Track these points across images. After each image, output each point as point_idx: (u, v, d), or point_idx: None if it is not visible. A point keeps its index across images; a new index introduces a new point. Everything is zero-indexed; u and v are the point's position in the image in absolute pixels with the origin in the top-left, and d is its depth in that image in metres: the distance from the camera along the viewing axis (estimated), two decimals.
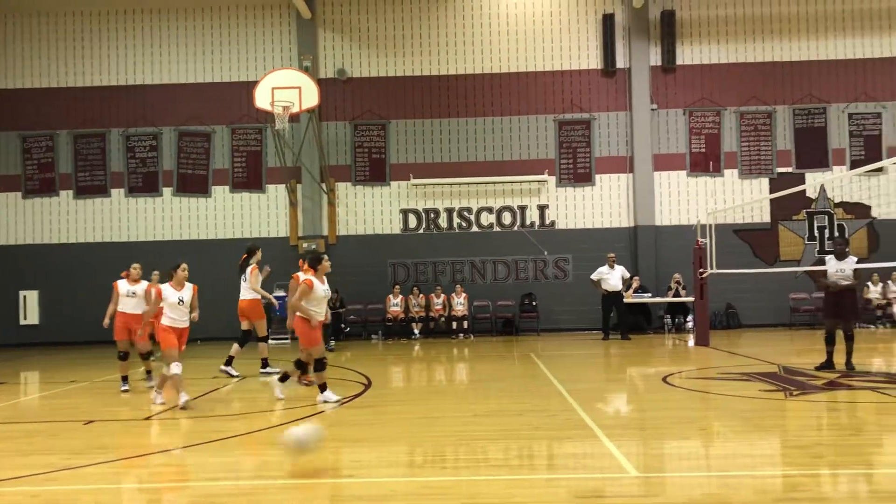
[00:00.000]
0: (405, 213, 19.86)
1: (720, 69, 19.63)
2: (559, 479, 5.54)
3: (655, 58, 19.69)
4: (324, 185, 19.44)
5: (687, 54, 19.69)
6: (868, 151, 19.16)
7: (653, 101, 19.58)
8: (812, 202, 19.51)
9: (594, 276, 17.47)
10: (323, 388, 9.04)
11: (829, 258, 11.33)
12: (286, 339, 17.59)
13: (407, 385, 9.72)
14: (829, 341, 10.89)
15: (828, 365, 10.79)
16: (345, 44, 19.97)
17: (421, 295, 19.05)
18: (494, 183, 19.73)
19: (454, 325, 18.63)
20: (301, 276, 9.09)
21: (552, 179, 19.78)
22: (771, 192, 18.85)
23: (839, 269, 10.95)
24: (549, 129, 19.87)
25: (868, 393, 8.89)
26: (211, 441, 7.08)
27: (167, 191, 19.99)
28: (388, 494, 5.22)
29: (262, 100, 16.86)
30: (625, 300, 17.47)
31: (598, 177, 19.83)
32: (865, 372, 10.51)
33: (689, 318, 18.28)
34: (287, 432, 5.95)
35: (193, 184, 19.99)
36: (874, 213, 19.21)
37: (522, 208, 19.82)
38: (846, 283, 10.88)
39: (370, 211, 19.82)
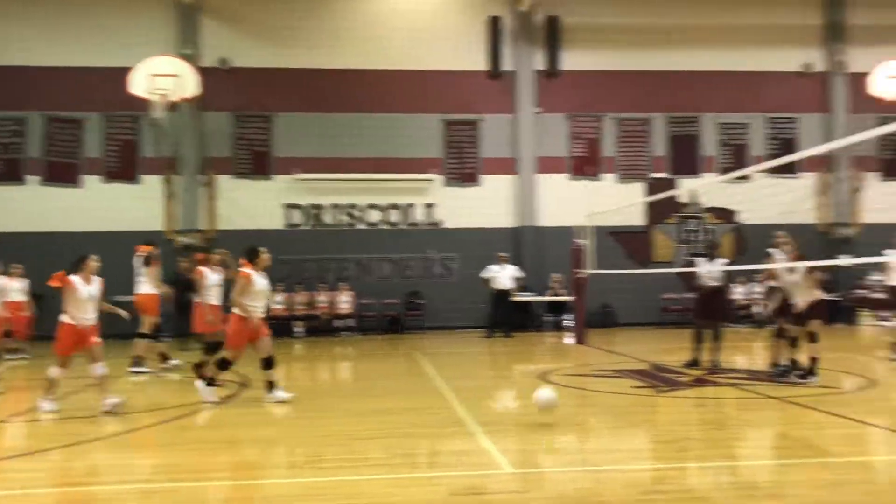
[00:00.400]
0: (289, 208, 19.48)
1: (601, 76, 20.25)
2: (437, 477, 5.55)
3: (540, 62, 20.12)
4: (203, 178, 18.80)
5: (570, 60, 20.20)
6: (736, 159, 20.23)
7: (537, 105, 20.00)
8: (684, 206, 20.44)
9: (484, 275, 17.70)
10: (210, 381, 8.75)
11: (700, 260, 11.89)
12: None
13: (288, 385, 9.55)
14: (698, 339, 11.42)
15: (695, 362, 11.31)
16: (229, 33, 19.39)
17: (304, 292, 18.74)
18: (381, 180, 19.64)
19: (338, 323, 18.43)
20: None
21: (439, 178, 19.89)
22: (646, 196, 19.62)
23: (709, 270, 11.51)
24: (437, 129, 19.96)
25: (731, 389, 9.37)
26: (69, 445, 6.69)
27: (33, 179, 18.83)
28: (267, 497, 5.09)
29: (138, 87, 16.13)
30: (511, 299, 17.78)
31: (484, 177, 20.07)
32: (730, 369, 11.08)
33: (568, 316, 18.78)
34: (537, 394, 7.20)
35: (63, 173, 18.90)
36: (741, 217, 20.31)
37: (410, 206, 19.83)
38: (716, 283, 11.45)
39: (252, 205, 19.30)
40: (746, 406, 8.39)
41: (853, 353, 12.93)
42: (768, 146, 20.46)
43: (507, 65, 20.05)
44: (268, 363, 8.76)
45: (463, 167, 20.04)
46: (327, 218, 19.63)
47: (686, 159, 20.41)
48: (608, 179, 20.29)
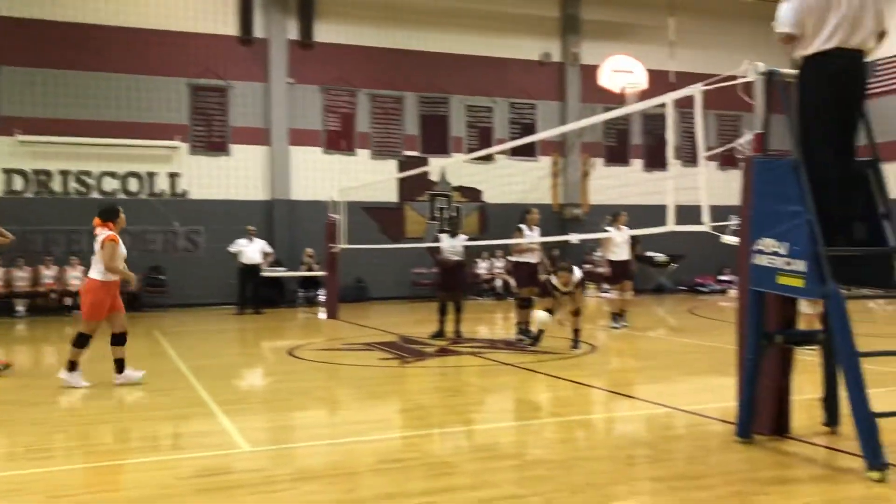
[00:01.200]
0: (8, 173, 17.45)
1: (356, 51, 20.25)
2: (172, 461, 5.23)
3: (294, 31, 19.68)
4: None
5: (325, 32, 19.98)
6: (481, 141, 21.23)
7: (290, 76, 19.57)
8: (434, 185, 21.12)
9: (232, 249, 17.04)
10: (73, 366, 7.82)
11: (443, 236, 12.34)
12: None
13: (13, 368, 8.60)
14: (442, 311, 11.87)
15: (440, 333, 11.75)
16: None
17: (27, 267, 16.92)
18: (119, 146, 18.18)
19: (68, 301, 16.86)
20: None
21: (185, 146, 18.83)
22: (399, 172, 20.00)
23: (452, 245, 11.99)
24: (182, 94, 18.85)
25: (472, 357, 9.84)
26: None
27: None
28: None
29: None
30: (261, 274, 17.32)
31: (234, 147, 19.32)
32: (471, 339, 11.63)
33: (321, 291, 18.71)
34: None
35: None
36: (485, 197, 21.37)
37: (151, 175, 18.59)
38: (457, 258, 11.94)
39: None
40: (485, 373, 8.85)
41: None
42: (511, 130, 21.68)
43: (259, 31, 19.39)
44: (121, 339, 7.96)
45: (211, 135, 19.13)
46: (56, 186, 17.84)
47: (436, 139, 21.07)
48: (362, 155, 20.41)
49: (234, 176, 19.27)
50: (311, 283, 19.11)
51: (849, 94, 5.09)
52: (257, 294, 17.17)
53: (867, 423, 4.47)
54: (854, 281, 5.57)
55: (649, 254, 21.20)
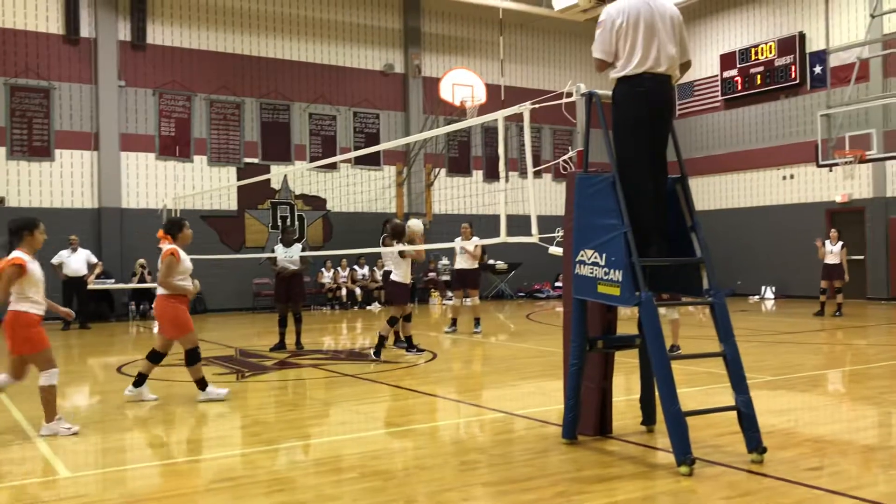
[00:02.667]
0: None
1: (192, 54, 19.59)
2: None
3: (125, 32, 18.77)
4: None
5: (158, 33, 19.19)
6: (325, 149, 21.10)
7: (121, 78, 18.64)
8: (276, 193, 20.75)
9: (54, 261, 15.95)
10: (202, 383, 7.63)
11: (278, 245, 12.14)
12: None
13: None
14: (282, 323, 11.68)
15: (280, 346, 11.56)
16: None
17: None
18: None
19: None
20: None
21: (2, 150, 17.49)
22: (238, 180, 19.51)
23: (287, 254, 11.82)
24: (0, 94, 17.51)
25: (313, 370, 9.75)
26: None
27: None
28: None
29: None
30: (88, 286, 16.32)
31: (58, 152, 18.15)
32: (313, 350, 11.51)
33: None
34: None
35: None
36: (329, 205, 21.24)
37: None
38: (294, 268, 11.78)
39: None
40: (326, 385, 8.79)
41: (423, 331, 14.30)
42: (355, 139, 21.69)
43: (86, 31, 18.35)
44: (191, 356, 7.74)
45: (32, 139, 17.87)
46: None
47: (278, 146, 20.73)
48: (199, 162, 19.74)
49: (59, 183, 18.11)
50: (145, 296, 18.25)
51: (657, 115, 5.49)
52: (84, 308, 16.17)
53: (677, 421, 4.83)
54: (667, 289, 6.02)
55: (491, 261, 21.88)
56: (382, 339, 10.41)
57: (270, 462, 5.54)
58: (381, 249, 11.15)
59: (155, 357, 7.91)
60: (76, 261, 16.00)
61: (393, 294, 10.92)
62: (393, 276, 10.80)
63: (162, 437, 6.50)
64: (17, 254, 6.43)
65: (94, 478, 5.15)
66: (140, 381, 7.81)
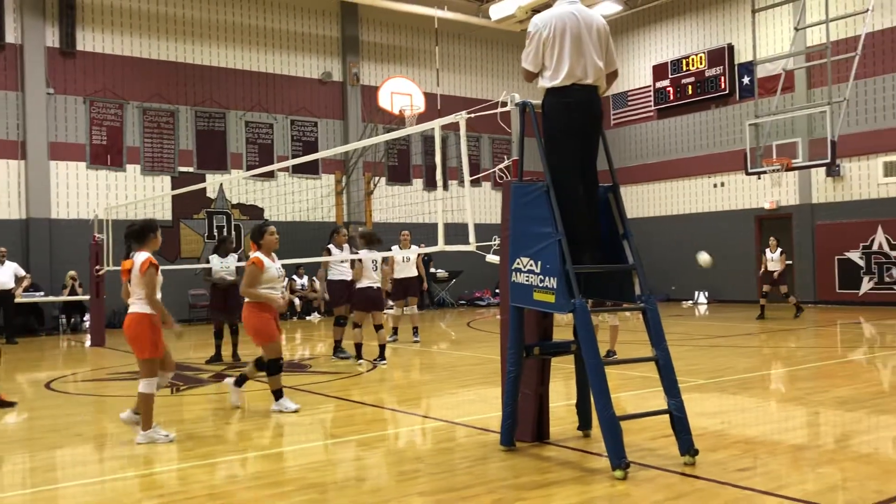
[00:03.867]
0: None
1: (124, 61, 19.16)
2: None
3: (53, 39, 18.26)
4: None
5: (89, 40, 18.72)
6: (262, 158, 20.84)
7: (49, 85, 18.11)
8: (212, 202, 20.41)
9: None
10: (279, 394, 7.54)
11: (213, 256, 11.95)
12: None
13: None
14: (218, 335, 11.48)
15: (216, 358, 11.36)
16: None
17: None
18: None
19: None
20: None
21: None
22: (173, 189, 19.12)
23: (223, 265, 11.63)
24: None
25: (250, 382, 9.55)
26: None
27: None
28: None
29: None
30: (15, 300, 15.76)
31: None
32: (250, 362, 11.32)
33: (87, 317, 17.41)
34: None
35: None
36: (266, 214, 20.98)
37: None
38: (231, 279, 11.60)
39: None
40: (264, 397, 8.64)
41: (366, 341, 14.19)
42: (293, 147, 21.50)
43: (11, 36, 17.79)
44: (272, 366, 7.65)
45: None
46: None
47: (213, 154, 20.40)
48: (132, 171, 19.29)
49: None
50: (76, 309, 17.73)
51: (586, 125, 5.58)
52: (10, 322, 15.62)
53: (611, 426, 4.91)
54: (602, 296, 6.12)
55: (432, 270, 21.91)
56: (357, 347, 10.72)
57: (207, 476, 5.44)
58: (356, 257, 11.01)
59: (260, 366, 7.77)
60: (3, 273, 15.44)
61: (331, 293, 11.20)
62: (330, 276, 11.11)
63: (93, 454, 6.32)
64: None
65: (21, 499, 4.98)
66: (277, 395, 7.66)
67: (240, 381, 7.95)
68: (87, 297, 16.50)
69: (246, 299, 7.65)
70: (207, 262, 12.24)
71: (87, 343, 15.19)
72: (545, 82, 5.55)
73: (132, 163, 19.28)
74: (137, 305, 6.47)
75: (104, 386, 9.61)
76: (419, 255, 13.73)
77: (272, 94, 21.23)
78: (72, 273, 17.41)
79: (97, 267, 14.71)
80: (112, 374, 10.51)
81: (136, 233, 6.67)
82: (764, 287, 16.89)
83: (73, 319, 17.76)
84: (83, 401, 8.71)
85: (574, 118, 5.49)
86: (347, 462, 5.85)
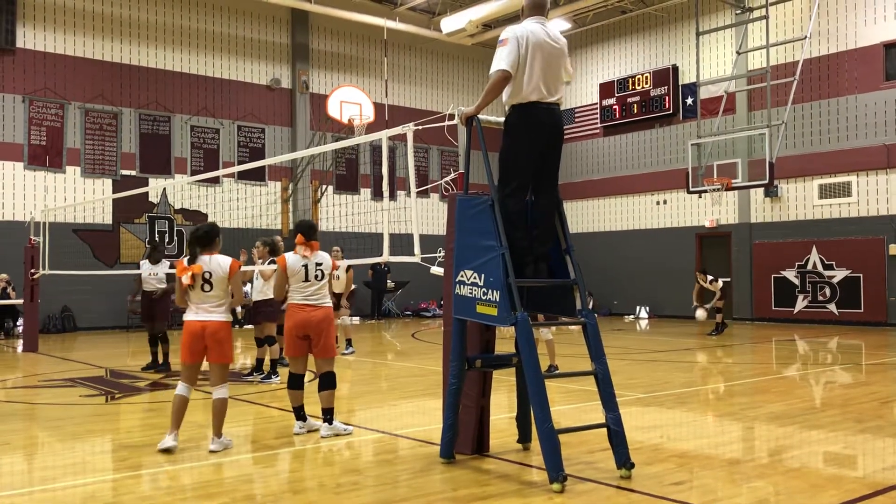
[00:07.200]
0: None
1: (66, 60, 18.71)
2: None
3: None
4: None
5: (29, 37, 18.24)
6: (207, 163, 20.53)
7: None
8: (154, 206, 20.01)
9: None
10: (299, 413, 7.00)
11: (144, 262, 11.70)
12: None
13: None
14: (152, 342, 11.25)
15: (153, 365, 11.12)
16: None
17: None
18: None
19: None
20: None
21: None
22: (114, 193, 18.70)
23: (153, 272, 11.40)
24: None
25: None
26: None
27: None
28: None
29: None
30: None
31: None
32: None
33: (20, 321, 16.88)
34: None
35: None
36: (210, 220, 20.62)
37: None
38: (163, 286, 11.36)
39: None
40: (201, 407, 8.48)
41: None
42: (239, 153, 21.23)
43: None
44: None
45: None
46: None
47: (157, 158, 20.03)
48: (72, 173, 18.81)
49: None
50: (8, 313, 17.19)
51: (547, 143, 5.61)
52: None
53: (549, 439, 4.94)
54: (544, 309, 6.17)
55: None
56: (273, 363, 10.18)
57: (139, 487, 5.31)
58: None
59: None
60: None
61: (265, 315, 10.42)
62: (256, 298, 10.37)
63: (22, 464, 6.12)
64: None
65: None
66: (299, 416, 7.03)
67: (328, 418, 6.94)
68: (20, 301, 16.00)
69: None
70: (138, 267, 11.95)
71: (20, 348, 14.72)
72: (512, 97, 5.51)
73: (72, 164, 18.80)
74: (220, 313, 6.30)
75: (34, 393, 9.31)
76: (349, 266, 13.29)
77: (219, 99, 20.96)
78: (4, 276, 16.88)
79: (32, 270, 14.28)
80: (44, 382, 10.19)
81: (203, 237, 6.40)
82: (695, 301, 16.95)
83: (5, 324, 17.21)
84: (12, 408, 8.42)
85: (538, 136, 5.51)
86: (282, 474, 5.78)
